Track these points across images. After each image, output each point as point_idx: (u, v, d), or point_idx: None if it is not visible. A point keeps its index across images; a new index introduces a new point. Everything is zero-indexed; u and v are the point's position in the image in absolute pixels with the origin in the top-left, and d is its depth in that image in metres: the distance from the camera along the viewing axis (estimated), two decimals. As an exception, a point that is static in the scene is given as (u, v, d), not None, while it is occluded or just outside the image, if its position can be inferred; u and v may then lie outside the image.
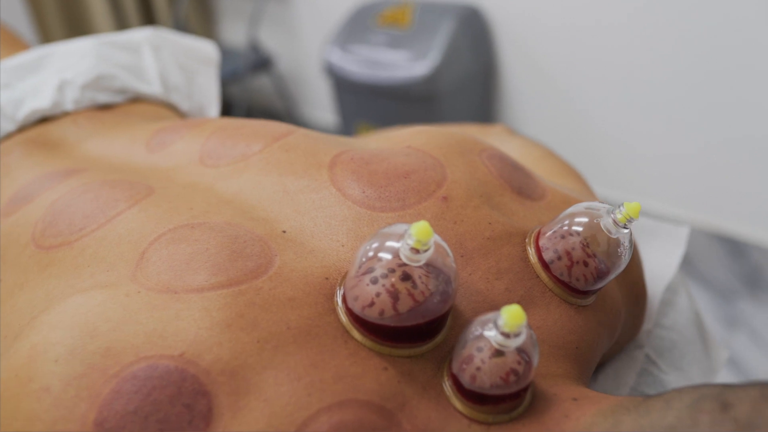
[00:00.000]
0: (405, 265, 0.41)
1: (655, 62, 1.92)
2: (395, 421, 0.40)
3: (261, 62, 2.65)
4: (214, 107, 0.96)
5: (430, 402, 0.42)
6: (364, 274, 0.43)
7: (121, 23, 2.87)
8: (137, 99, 0.85)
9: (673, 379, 0.62)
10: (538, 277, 0.50)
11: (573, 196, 0.60)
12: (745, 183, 1.90)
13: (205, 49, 0.98)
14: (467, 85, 2.17)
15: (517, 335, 0.39)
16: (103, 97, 0.81)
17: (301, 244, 0.49)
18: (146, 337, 0.41)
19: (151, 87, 0.86)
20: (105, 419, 0.38)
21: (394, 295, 0.41)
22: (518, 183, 0.57)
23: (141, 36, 0.90)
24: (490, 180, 0.56)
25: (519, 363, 0.40)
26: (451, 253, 0.43)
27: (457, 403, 0.42)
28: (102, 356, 0.40)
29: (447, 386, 0.43)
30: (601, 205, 0.50)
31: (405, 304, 0.41)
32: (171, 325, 0.42)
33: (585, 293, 0.50)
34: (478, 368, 0.41)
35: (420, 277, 0.42)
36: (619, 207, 0.48)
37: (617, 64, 1.99)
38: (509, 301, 0.48)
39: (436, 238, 0.41)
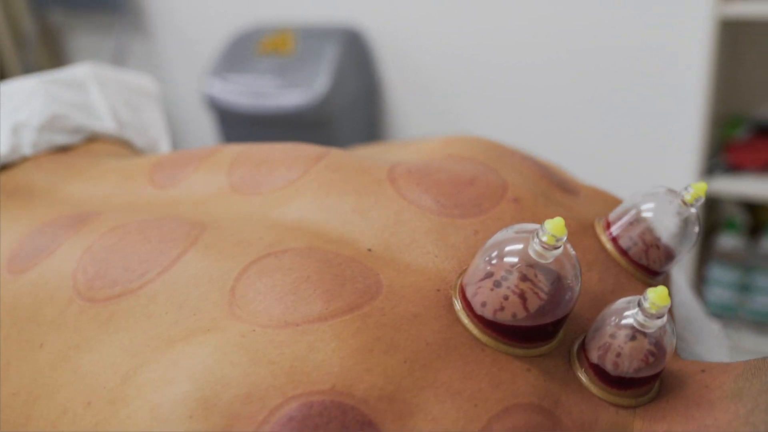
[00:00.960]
0: (521, 266, 0.41)
1: (534, 75, 2.03)
2: (556, 418, 0.40)
3: (129, 102, 2.53)
4: (164, 142, 0.90)
5: (575, 395, 0.42)
6: (484, 279, 0.42)
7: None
8: (93, 138, 0.79)
9: (702, 351, 0.65)
10: (619, 264, 0.51)
11: (597, 188, 0.63)
12: (628, 181, 2.04)
13: (145, 84, 0.92)
14: (355, 107, 2.19)
15: (660, 316, 0.40)
16: (61, 138, 0.74)
17: (394, 260, 0.48)
18: (287, 377, 0.38)
19: (104, 124, 0.80)
20: None
21: (522, 296, 0.41)
22: (557, 180, 0.59)
23: (83, 72, 0.84)
24: (538, 179, 0.57)
25: (653, 345, 0.41)
26: (572, 248, 0.43)
27: (599, 391, 0.42)
28: (243, 403, 0.37)
29: (583, 377, 0.43)
30: (664, 188, 0.52)
31: (534, 303, 0.41)
32: (309, 359, 0.39)
33: (659, 274, 0.52)
34: (618, 354, 0.41)
35: (536, 276, 0.42)
36: (686, 188, 0.50)
37: (497, 78, 2.09)
38: (604, 290, 0.49)
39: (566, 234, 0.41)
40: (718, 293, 1.90)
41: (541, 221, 0.51)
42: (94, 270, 0.49)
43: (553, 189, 0.57)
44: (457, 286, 0.45)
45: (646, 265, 0.51)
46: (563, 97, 2.02)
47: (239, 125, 2.22)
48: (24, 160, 0.71)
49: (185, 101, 2.66)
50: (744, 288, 1.87)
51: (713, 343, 0.69)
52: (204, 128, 2.64)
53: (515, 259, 0.41)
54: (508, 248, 0.42)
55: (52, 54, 2.81)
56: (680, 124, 1.82)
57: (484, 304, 0.42)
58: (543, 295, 0.41)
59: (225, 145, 0.63)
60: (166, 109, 2.75)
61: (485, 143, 0.59)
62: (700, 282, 1.93)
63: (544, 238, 0.40)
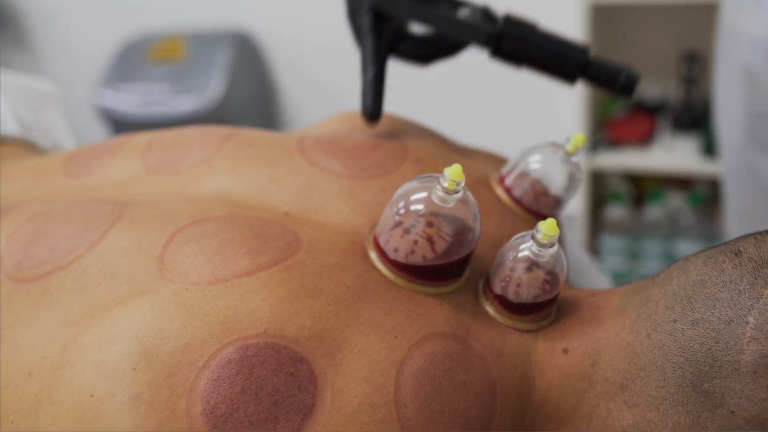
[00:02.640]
0: (427, 214, 0.46)
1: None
2: (468, 344, 0.45)
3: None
4: (68, 143, 0.90)
5: (484, 324, 0.47)
6: (394, 228, 0.47)
7: None
8: (-3, 141, 0.78)
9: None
10: (514, 212, 0.57)
11: (489, 151, 0.68)
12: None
13: (43, 86, 0.92)
14: (251, 109, 2.20)
15: (551, 245, 0.45)
16: (-38, 143, 0.74)
17: (310, 220, 0.51)
18: (222, 326, 0.41)
19: (8, 127, 0.80)
20: (215, 407, 0.38)
21: (429, 239, 0.46)
22: (451, 144, 0.64)
23: (-21, 77, 0.83)
24: (436, 143, 0.62)
25: (548, 273, 0.47)
26: (468, 190, 0.48)
27: (504, 319, 0.48)
28: (182, 353, 0.40)
29: (490, 308, 0.48)
30: (550, 142, 0.58)
31: (440, 245, 0.46)
32: (241, 309, 0.42)
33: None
34: (518, 284, 0.47)
35: (440, 222, 0.46)
36: (567, 139, 0.56)
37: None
38: (503, 235, 0.54)
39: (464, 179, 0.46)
40: (611, 261, 2.03)
41: None
42: (21, 252, 0.50)
43: (450, 151, 0.62)
44: (371, 238, 0.49)
45: (538, 210, 0.57)
46: (448, 87, 2.09)
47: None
48: (-74, 165, 0.70)
49: (76, 113, 2.59)
50: (633, 255, 2.00)
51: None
52: (98, 139, 2.58)
53: (421, 206, 0.46)
54: (413, 197, 0.46)
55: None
56: (563, 104, 1.93)
57: (396, 250, 0.46)
58: (448, 238, 0.46)
59: (136, 133, 0.65)
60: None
61: (385, 116, 0.64)
62: (593, 252, 2.06)
63: (445, 184, 0.44)
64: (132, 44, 2.21)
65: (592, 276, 0.77)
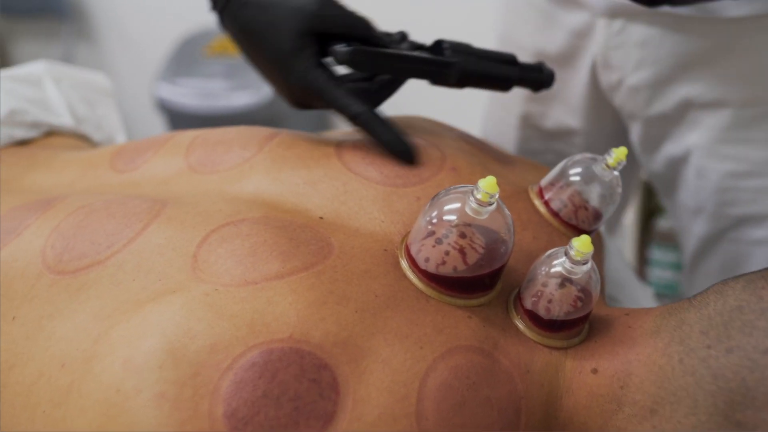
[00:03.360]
0: (460, 225, 0.46)
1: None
2: (495, 359, 0.45)
3: (76, 108, 2.52)
4: (121, 136, 0.93)
5: (513, 339, 0.47)
6: (426, 237, 0.46)
7: None
8: (51, 132, 0.81)
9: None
10: (551, 225, 0.56)
11: (534, 161, 0.68)
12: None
13: (100, 80, 0.95)
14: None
15: (585, 263, 0.45)
16: (20, 133, 0.76)
17: (343, 225, 0.52)
18: (249, 328, 0.42)
19: (62, 119, 0.82)
20: (236, 410, 0.39)
21: (461, 251, 0.46)
22: (494, 153, 0.64)
23: (39, 69, 0.86)
24: (475, 152, 0.61)
25: (581, 291, 0.46)
26: (504, 205, 0.47)
27: (534, 335, 0.47)
28: (209, 353, 0.41)
29: (520, 323, 0.48)
30: (590, 155, 0.57)
31: (472, 257, 0.46)
32: (268, 312, 0.42)
33: (589, 233, 0.57)
34: (550, 300, 0.46)
35: (473, 233, 0.46)
36: (608, 153, 0.55)
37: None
38: (538, 248, 0.53)
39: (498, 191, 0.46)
40: (660, 274, 1.98)
41: None
42: (62, 245, 0.51)
43: (489, 160, 0.61)
44: (403, 246, 0.49)
45: (576, 224, 0.56)
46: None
47: (190, 127, 2.22)
48: (-17, 153, 0.73)
49: (135, 105, 2.66)
50: (682, 267, 1.95)
51: (645, 305, 0.74)
52: (155, 131, 2.64)
53: (454, 217, 0.46)
54: (446, 207, 0.46)
55: (-5, 61, 2.78)
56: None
57: (427, 260, 0.46)
58: (480, 250, 0.46)
59: (181, 131, 0.66)
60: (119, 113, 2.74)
61: (426, 122, 0.64)
62: (642, 264, 2.01)
63: (479, 196, 0.44)
64: (190, 39, 2.25)
65: (633, 290, 0.76)
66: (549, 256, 0.47)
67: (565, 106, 0.87)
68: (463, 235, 0.46)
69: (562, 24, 0.81)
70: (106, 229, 0.51)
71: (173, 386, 0.39)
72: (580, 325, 0.47)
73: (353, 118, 0.58)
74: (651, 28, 0.74)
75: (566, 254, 0.45)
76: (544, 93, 0.71)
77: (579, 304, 0.46)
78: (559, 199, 0.56)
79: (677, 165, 0.82)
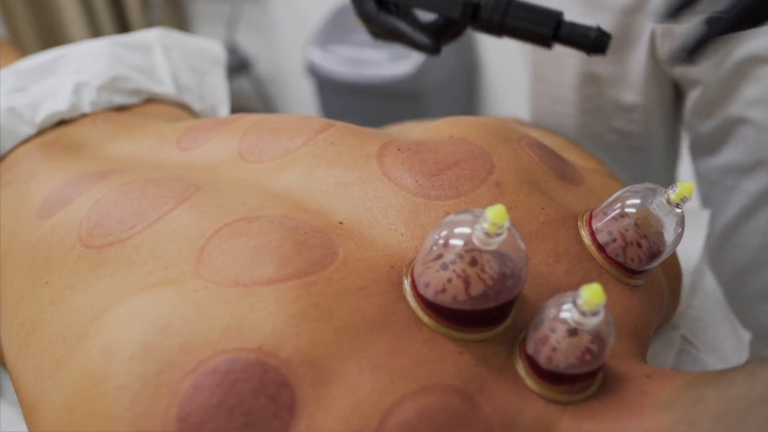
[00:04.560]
0: (472, 250, 0.42)
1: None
2: (476, 404, 0.41)
3: (239, 65, 2.63)
4: (224, 107, 0.95)
5: (506, 384, 0.43)
6: (433, 260, 0.43)
7: (95, 30, 2.83)
8: (152, 100, 0.84)
9: (711, 358, 0.63)
10: (594, 259, 0.50)
11: (609, 180, 0.61)
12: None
13: (213, 49, 0.97)
14: (451, 81, 2.18)
15: (594, 314, 0.40)
16: (119, 99, 0.80)
17: (360, 234, 0.49)
18: (222, 332, 0.41)
19: (164, 87, 0.85)
20: (188, 414, 0.38)
21: (466, 280, 0.42)
22: (559, 169, 0.58)
23: (151, 36, 0.89)
24: (534, 167, 0.56)
25: (593, 342, 0.41)
26: (521, 237, 0.43)
27: (532, 384, 0.43)
28: (178, 352, 0.40)
29: (521, 368, 0.43)
30: (652, 185, 0.51)
31: (476, 288, 0.42)
32: (246, 318, 0.41)
33: (638, 273, 0.51)
34: (554, 348, 0.41)
35: (487, 261, 0.42)
36: (672, 187, 0.49)
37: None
38: (570, 284, 0.48)
39: (509, 222, 0.42)
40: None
41: (519, 207, 0.51)
42: (96, 219, 0.53)
43: (548, 177, 0.56)
44: (411, 265, 0.46)
45: (623, 262, 0.50)
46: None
47: (337, 93, 2.26)
48: (83, 116, 0.77)
49: (289, 68, 2.74)
50: None
51: (730, 352, 0.66)
52: (305, 95, 2.72)
53: (460, 243, 0.42)
54: (456, 230, 0.43)
55: (174, 15, 2.96)
56: None
57: (427, 285, 0.43)
58: (489, 281, 0.42)
59: (248, 114, 0.66)
60: (271, 74, 2.84)
61: (491, 126, 0.60)
62: None
63: (485, 225, 0.40)
64: (346, 7, 2.27)
65: (718, 334, 0.67)
66: (559, 299, 0.42)
67: (622, 84, 0.84)
68: (473, 262, 0.42)
69: (607, 5, 0.77)
70: (135, 208, 0.53)
71: (137, 380, 0.40)
72: (585, 381, 0.42)
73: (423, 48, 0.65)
74: None
75: (573, 303, 0.40)
76: (599, 75, 0.71)
77: (587, 357, 0.41)
78: (607, 231, 0.50)
79: (732, 124, 0.79)
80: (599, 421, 0.41)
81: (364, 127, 0.62)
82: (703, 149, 0.86)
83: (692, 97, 0.81)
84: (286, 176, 0.55)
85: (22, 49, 2.64)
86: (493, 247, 0.41)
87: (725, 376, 0.39)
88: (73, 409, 0.41)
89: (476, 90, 2.31)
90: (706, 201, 0.91)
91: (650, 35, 0.76)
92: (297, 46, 2.59)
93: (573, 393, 0.42)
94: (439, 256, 0.43)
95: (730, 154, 0.82)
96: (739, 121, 0.78)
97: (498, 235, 0.40)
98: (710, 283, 0.73)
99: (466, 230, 0.42)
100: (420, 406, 0.40)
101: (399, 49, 2.08)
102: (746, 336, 0.73)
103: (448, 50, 2.13)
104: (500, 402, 0.42)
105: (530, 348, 0.43)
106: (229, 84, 2.67)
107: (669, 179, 0.96)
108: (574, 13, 0.79)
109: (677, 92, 0.85)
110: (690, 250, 0.73)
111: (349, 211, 0.51)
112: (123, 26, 2.90)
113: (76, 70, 0.80)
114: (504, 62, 2.21)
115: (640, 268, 0.51)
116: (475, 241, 0.41)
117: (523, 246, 0.43)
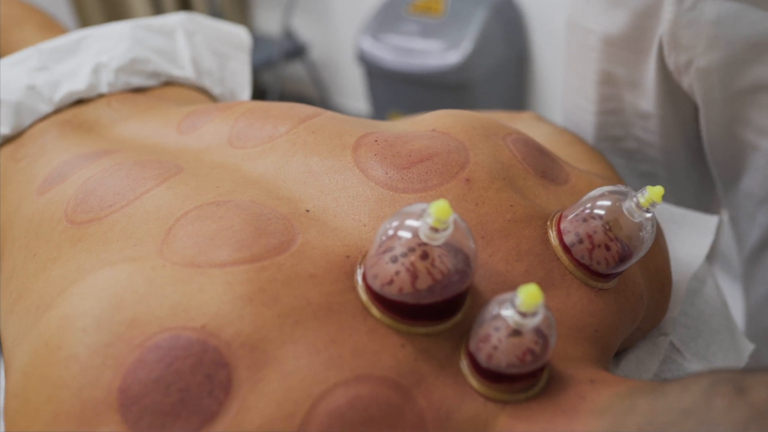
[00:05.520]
0: (425, 244, 0.42)
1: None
2: (410, 397, 0.41)
3: (295, 50, 2.66)
4: (245, 92, 0.97)
5: (446, 380, 0.43)
6: (384, 252, 0.43)
7: (159, 12, 2.91)
8: (170, 83, 0.87)
9: (697, 368, 0.62)
10: (558, 260, 0.50)
11: (598, 180, 0.60)
12: None
13: (238, 34, 0.99)
14: (499, 73, 2.16)
15: (534, 315, 0.39)
16: (137, 80, 0.83)
17: (324, 223, 0.50)
18: (170, 310, 0.42)
19: (184, 71, 0.87)
20: (129, 387, 0.40)
21: (413, 274, 0.42)
22: (542, 167, 0.58)
23: (175, 20, 0.91)
24: (513, 164, 0.56)
25: (536, 343, 0.41)
26: (470, 233, 0.43)
27: (474, 381, 0.43)
28: (128, 327, 0.42)
29: (464, 365, 0.43)
30: (623, 188, 0.50)
31: (424, 281, 0.42)
32: (194, 298, 0.43)
33: (606, 277, 0.50)
34: (495, 347, 0.41)
35: (439, 256, 0.42)
36: (642, 191, 0.48)
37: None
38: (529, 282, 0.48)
39: (456, 217, 0.42)
40: None
41: (486, 203, 0.51)
42: (82, 197, 0.56)
43: (527, 175, 0.56)
44: (365, 256, 0.47)
45: (588, 264, 0.49)
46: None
47: (386, 81, 2.27)
48: (99, 97, 0.80)
49: (344, 54, 2.76)
50: None
51: (721, 362, 0.64)
52: (357, 82, 2.73)
53: (408, 236, 0.42)
54: (407, 222, 0.43)
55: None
56: None
57: (375, 276, 0.44)
58: (438, 276, 0.42)
59: (246, 101, 0.67)
60: (325, 60, 2.86)
61: (478, 120, 0.59)
62: None
63: (429, 221, 0.40)
64: (401, -5, 2.27)
65: (713, 343, 0.65)
66: (500, 298, 0.42)
67: (638, 90, 0.81)
68: (424, 256, 0.42)
69: (625, 3, 0.75)
70: (117, 188, 0.55)
71: (87, 350, 0.41)
72: (526, 381, 0.42)
73: None
74: (728, 2, 0.65)
75: (511, 303, 0.40)
76: (617, 77, 0.69)
77: (528, 358, 0.41)
78: (574, 233, 0.50)
79: (745, 151, 0.76)
80: (534, 423, 0.41)
81: (353, 117, 0.62)
82: (722, 174, 0.83)
83: (703, 114, 0.78)
84: (264, 163, 0.56)
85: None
86: (439, 242, 0.41)
87: (661, 387, 0.38)
88: (29, 374, 0.43)
89: (525, 83, 2.28)
90: (735, 223, 0.88)
91: (659, 43, 0.74)
92: (350, 33, 2.61)
93: (513, 392, 0.42)
94: (389, 249, 0.43)
95: (745, 183, 0.80)
96: (752, 148, 0.75)
97: (444, 230, 0.40)
98: (711, 291, 0.71)
99: (416, 223, 0.42)
100: (351, 395, 0.40)
101: (449, 40, 2.07)
102: (748, 347, 0.71)
103: (498, 42, 2.11)
104: (437, 397, 0.42)
105: (472, 345, 0.43)
106: (284, 68, 2.71)
107: (700, 200, 0.93)
108: (597, 7, 0.78)
109: (696, 108, 0.83)
110: (693, 256, 0.71)
111: (317, 199, 0.52)
112: (186, 8, 2.97)
113: (97, 51, 0.82)
114: (554, 55, 2.17)
115: (607, 271, 0.50)
116: (422, 236, 0.41)
117: (472, 242, 0.43)
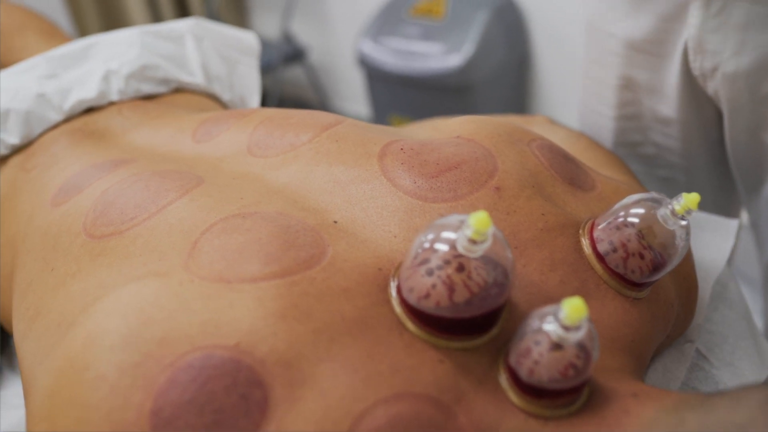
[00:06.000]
0: (461, 256, 0.41)
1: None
2: (451, 415, 0.40)
3: (294, 54, 2.65)
4: (255, 97, 0.96)
5: (486, 395, 0.42)
6: (420, 265, 0.42)
7: (156, 16, 2.89)
8: (180, 89, 0.86)
9: (725, 375, 0.61)
10: (592, 269, 0.49)
11: (623, 186, 0.59)
12: None
13: (247, 39, 0.98)
14: (501, 76, 2.15)
15: (577, 329, 0.38)
16: (147, 87, 0.81)
17: (353, 234, 0.49)
18: (201, 327, 0.41)
19: (194, 77, 0.86)
20: (161, 409, 0.38)
21: (450, 287, 0.41)
22: (569, 173, 0.57)
23: (184, 26, 0.90)
24: (541, 170, 0.55)
25: (578, 357, 0.40)
26: (507, 244, 0.42)
27: (514, 396, 0.42)
28: (157, 345, 0.40)
29: (503, 380, 0.42)
30: (657, 196, 0.49)
31: (461, 295, 0.41)
32: (225, 314, 0.41)
33: (640, 285, 0.49)
34: (536, 362, 0.40)
35: (476, 268, 0.41)
36: (677, 198, 0.47)
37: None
38: (564, 294, 0.47)
39: (494, 228, 0.41)
40: None
41: (518, 212, 0.50)
42: (101, 210, 0.54)
43: (555, 182, 0.55)
44: (399, 268, 0.46)
45: (623, 274, 0.48)
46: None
47: (387, 85, 2.26)
48: (110, 104, 0.79)
49: (344, 58, 2.75)
50: None
51: (747, 369, 0.63)
52: (357, 85, 2.72)
53: (446, 248, 0.41)
54: (443, 234, 0.42)
55: (233, 3, 3.00)
56: None
57: (411, 290, 0.42)
58: (475, 288, 0.41)
59: (263, 108, 0.66)
60: (325, 64, 2.85)
61: (502, 127, 0.58)
62: None
63: (468, 233, 0.39)
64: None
65: (738, 348, 0.64)
66: (542, 311, 0.41)
67: (658, 95, 0.80)
68: (460, 268, 0.41)
69: (650, 7, 0.74)
70: (137, 200, 0.53)
71: (115, 371, 0.40)
72: (569, 396, 0.41)
73: None
74: (757, 6, 0.64)
75: (555, 317, 0.39)
76: (638, 81, 0.68)
77: (571, 372, 0.40)
78: (608, 241, 0.49)
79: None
80: None
81: (374, 125, 0.61)
82: (745, 178, 0.83)
83: (728, 119, 0.77)
84: (287, 172, 0.55)
85: (85, 35, 2.71)
86: (477, 255, 0.40)
87: (709, 400, 0.37)
88: (54, 395, 0.42)
89: (527, 86, 2.28)
90: (756, 229, 0.87)
91: (683, 48, 0.73)
92: (350, 36, 2.60)
93: (555, 408, 0.41)
94: (425, 261, 0.42)
95: (766, 188, 0.79)
96: None
97: (482, 242, 0.39)
98: (735, 295, 0.70)
99: (453, 235, 0.41)
100: (392, 414, 0.39)
101: (450, 43, 2.06)
102: (768, 354, 0.70)
103: (500, 44, 2.11)
104: (477, 413, 0.41)
105: (512, 360, 0.42)
106: (283, 72, 2.70)
107: (719, 206, 0.92)
108: (619, 11, 0.77)
109: (719, 113, 0.82)
110: (715, 260, 0.70)
111: (345, 210, 0.51)
112: (183, 13, 2.96)
113: (107, 58, 0.81)
114: (556, 58, 2.17)
115: (641, 280, 0.49)
116: (460, 248, 0.40)
117: (510, 254, 0.42)
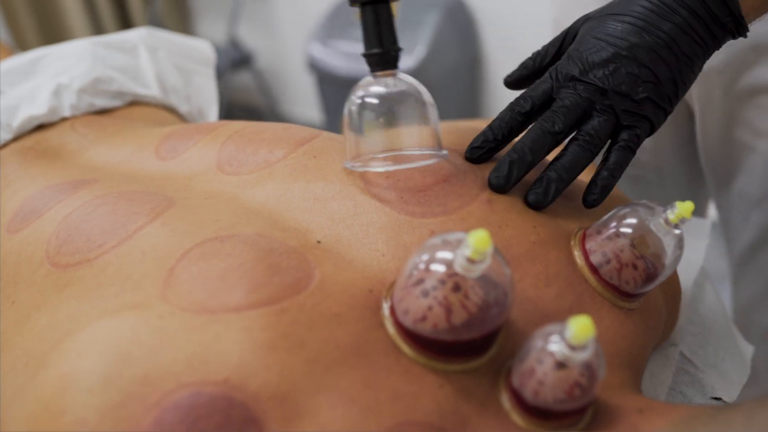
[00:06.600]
0: (455, 275, 0.39)
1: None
2: None
3: (241, 59, 2.60)
4: (213, 108, 0.92)
5: (490, 419, 0.40)
6: (414, 285, 0.40)
7: (96, 23, 2.81)
8: (135, 102, 0.82)
9: (712, 378, 0.60)
10: (587, 282, 0.48)
11: (619, 197, 0.59)
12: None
13: (202, 49, 0.94)
14: (453, 77, 2.15)
15: (584, 348, 0.37)
16: (101, 101, 0.78)
17: (339, 254, 0.47)
18: (186, 363, 0.38)
19: (149, 89, 0.83)
20: None
21: (447, 308, 0.39)
22: None
23: (136, 36, 0.86)
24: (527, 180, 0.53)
25: (583, 375, 0.38)
26: (506, 263, 0.40)
27: (518, 418, 0.40)
28: (140, 384, 0.38)
29: (506, 401, 0.41)
30: (650, 204, 0.48)
31: (459, 316, 0.39)
32: (211, 348, 0.39)
33: (633, 296, 0.48)
34: (541, 382, 0.39)
35: (472, 288, 0.39)
36: (671, 207, 0.46)
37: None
38: (560, 309, 0.46)
39: (493, 247, 0.39)
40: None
41: (510, 226, 0.48)
42: (65, 236, 0.51)
43: None
44: (391, 289, 0.44)
45: (617, 285, 0.47)
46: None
47: (337, 88, 2.23)
48: (62, 120, 0.74)
49: (290, 63, 2.72)
50: None
51: (731, 370, 0.63)
52: (307, 90, 2.69)
53: (442, 269, 0.39)
54: (438, 254, 0.40)
55: (176, 9, 2.93)
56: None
57: (406, 312, 0.40)
58: (473, 309, 0.39)
59: (230, 121, 0.63)
60: (273, 69, 2.81)
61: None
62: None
63: (467, 252, 0.37)
64: (347, 2, 2.24)
65: (721, 350, 0.64)
66: (546, 330, 0.39)
67: None
68: (456, 288, 0.39)
69: None
70: (104, 226, 0.50)
71: (96, 414, 0.37)
72: (574, 416, 0.40)
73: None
74: None
75: (561, 336, 0.37)
76: None
77: (577, 392, 0.38)
78: (601, 252, 0.47)
79: (742, 153, 0.76)
80: None
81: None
82: (715, 175, 0.83)
83: (699, 116, 0.77)
84: (264, 190, 0.53)
85: (23, 46, 2.62)
86: (476, 275, 0.38)
87: (722, 415, 0.36)
88: None
89: (479, 86, 2.28)
90: (726, 224, 0.87)
91: None
92: (298, 40, 2.57)
93: (561, 429, 0.40)
94: (420, 282, 0.40)
95: (739, 184, 0.79)
96: (749, 150, 0.75)
97: (481, 262, 0.38)
98: (710, 295, 0.70)
99: (449, 255, 0.39)
100: None
101: (401, 45, 2.05)
102: (749, 349, 0.70)
103: (451, 45, 2.10)
104: None
105: (515, 381, 0.40)
106: (230, 78, 2.65)
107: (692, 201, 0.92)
108: (590, 9, 0.76)
109: (690, 111, 0.82)
110: (691, 261, 0.70)
111: (327, 228, 0.49)
112: (124, 20, 2.88)
113: (57, 72, 0.77)
114: (507, 58, 2.18)
115: (635, 290, 0.48)
116: (457, 268, 0.38)
117: (508, 271, 0.40)
